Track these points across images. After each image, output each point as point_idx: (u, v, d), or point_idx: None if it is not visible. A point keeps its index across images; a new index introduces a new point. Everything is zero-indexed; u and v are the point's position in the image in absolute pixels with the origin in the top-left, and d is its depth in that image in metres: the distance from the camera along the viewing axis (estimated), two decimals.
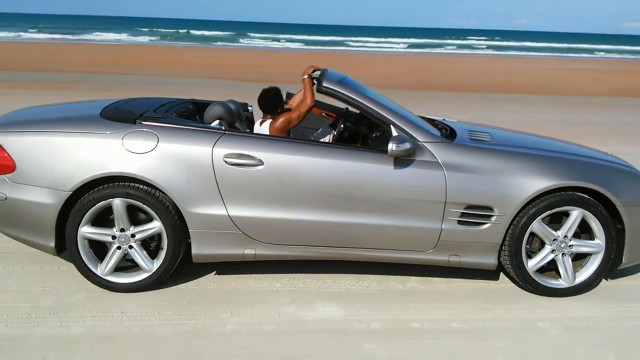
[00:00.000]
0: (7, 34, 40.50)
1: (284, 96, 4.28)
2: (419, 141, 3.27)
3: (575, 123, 10.66)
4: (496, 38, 72.20)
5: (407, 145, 3.12)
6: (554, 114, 11.82)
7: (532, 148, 3.50)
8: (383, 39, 56.87)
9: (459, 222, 3.24)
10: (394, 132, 3.27)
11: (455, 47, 50.12)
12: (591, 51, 49.24)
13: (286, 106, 4.10)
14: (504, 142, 3.55)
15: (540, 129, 8.57)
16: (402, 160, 3.21)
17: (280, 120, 3.62)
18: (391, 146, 3.10)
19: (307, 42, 47.26)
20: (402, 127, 3.29)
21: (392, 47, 45.73)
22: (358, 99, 3.36)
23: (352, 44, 48.27)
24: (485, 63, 29.73)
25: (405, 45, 49.05)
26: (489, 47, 52.41)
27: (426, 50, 44.40)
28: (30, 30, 46.46)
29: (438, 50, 45.28)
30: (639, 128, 10.39)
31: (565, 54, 44.01)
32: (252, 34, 57.21)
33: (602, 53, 46.90)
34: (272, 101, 3.78)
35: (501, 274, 3.68)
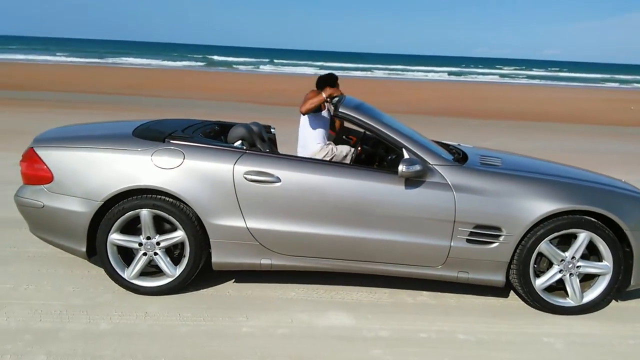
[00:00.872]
0: (37, 57, 42.21)
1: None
2: (429, 164, 3.43)
3: (603, 152, 10.62)
4: (527, 67, 71.90)
5: (417, 167, 3.29)
6: (583, 143, 11.79)
7: (541, 173, 3.62)
8: (411, 67, 57.25)
9: (468, 240, 3.37)
10: (406, 155, 3.45)
11: (484, 75, 50.10)
12: (625, 82, 48.59)
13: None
14: (514, 167, 3.67)
15: (566, 157, 8.60)
16: (413, 181, 3.37)
17: (308, 93, 4.58)
18: (401, 167, 3.28)
19: (334, 69, 47.92)
20: (413, 150, 3.46)
21: (421, 75, 45.93)
22: (371, 123, 3.55)
23: (379, 71, 48.74)
24: (516, 92, 29.69)
25: (434, 73, 49.24)
26: (519, 76, 52.23)
27: (455, 78, 44.51)
28: (58, 54, 48.28)
29: (467, 78, 45.35)
30: None
31: (598, 84, 43.58)
32: (277, 60, 58.32)
33: (636, 84, 46.18)
34: (320, 80, 4.73)
35: (510, 291, 3.77)
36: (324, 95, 4.24)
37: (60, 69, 29.95)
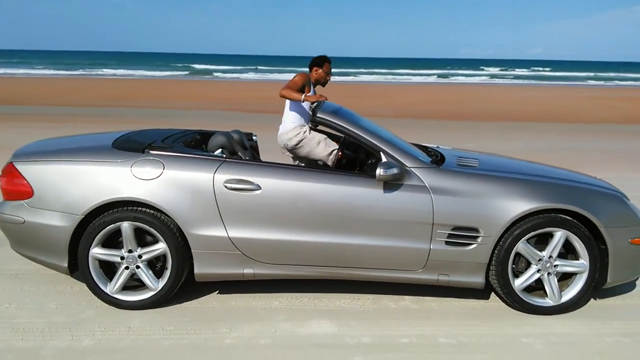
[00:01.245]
0: (17, 70, 41.77)
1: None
2: (407, 166, 3.47)
3: (586, 150, 10.75)
4: (511, 67, 72.52)
5: (395, 170, 3.33)
6: (564, 141, 11.92)
7: (517, 173, 3.68)
8: (395, 70, 57.47)
9: (447, 242, 3.41)
10: (383, 158, 3.49)
11: (469, 77, 50.41)
12: (607, 79, 49.18)
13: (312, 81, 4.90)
14: (490, 167, 3.73)
15: (551, 157, 8.71)
16: (391, 185, 3.41)
17: (296, 76, 4.72)
18: (379, 171, 3.31)
19: None
20: (391, 153, 3.51)
21: (405, 78, 46.10)
22: (349, 127, 3.59)
23: (364, 75, 48.88)
24: (500, 92, 29.95)
25: (419, 76, 49.46)
26: (504, 76, 52.66)
27: (440, 80, 44.76)
28: (37, 67, 47.85)
29: (452, 80, 45.61)
30: None
31: (580, 82, 44.04)
32: (262, 67, 58.29)
33: (618, 81, 46.75)
34: (311, 62, 4.94)
35: (492, 293, 3.81)
36: (302, 97, 4.36)
37: (41, 82, 29.74)
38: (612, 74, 58.48)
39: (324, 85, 5.04)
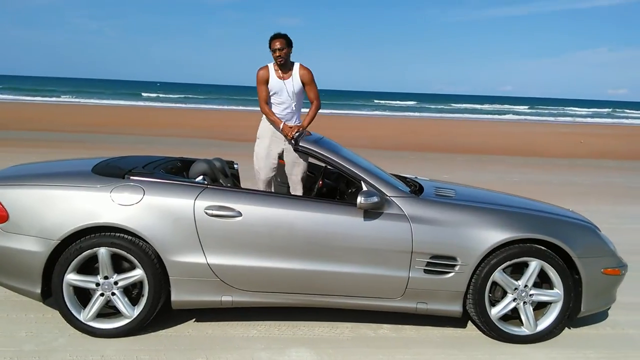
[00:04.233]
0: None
1: None
2: (387, 195, 3.52)
3: (555, 183, 11.00)
4: (483, 103, 74.20)
5: (375, 199, 3.37)
6: (535, 175, 12.19)
7: (493, 203, 3.76)
8: (370, 103, 58.17)
9: (425, 270, 3.44)
10: (364, 187, 3.54)
11: (441, 112, 51.35)
12: (575, 116, 50.68)
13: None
14: (467, 198, 3.81)
15: (523, 189, 8.88)
16: (371, 213, 3.45)
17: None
18: (360, 199, 3.35)
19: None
20: (371, 182, 3.56)
21: (380, 112, 46.64)
22: (331, 157, 3.65)
23: (341, 108, 49.26)
24: (472, 126, 30.57)
25: (393, 110, 50.16)
26: (475, 111, 53.82)
27: (414, 114, 45.48)
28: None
29: (426, 114, 46.40)
30: (616, 187, 10.75)
31: (549, 119, 45.22)
32: (235, 98, 58.16)
33: (586, 118, 48.21)
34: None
35: (469, 321, 3.84)
36: (282, 125, 4.55)
37: (8, 107, 29.23)
38: (579, 110, 60.36)
39: (280, 66, 4.59)
